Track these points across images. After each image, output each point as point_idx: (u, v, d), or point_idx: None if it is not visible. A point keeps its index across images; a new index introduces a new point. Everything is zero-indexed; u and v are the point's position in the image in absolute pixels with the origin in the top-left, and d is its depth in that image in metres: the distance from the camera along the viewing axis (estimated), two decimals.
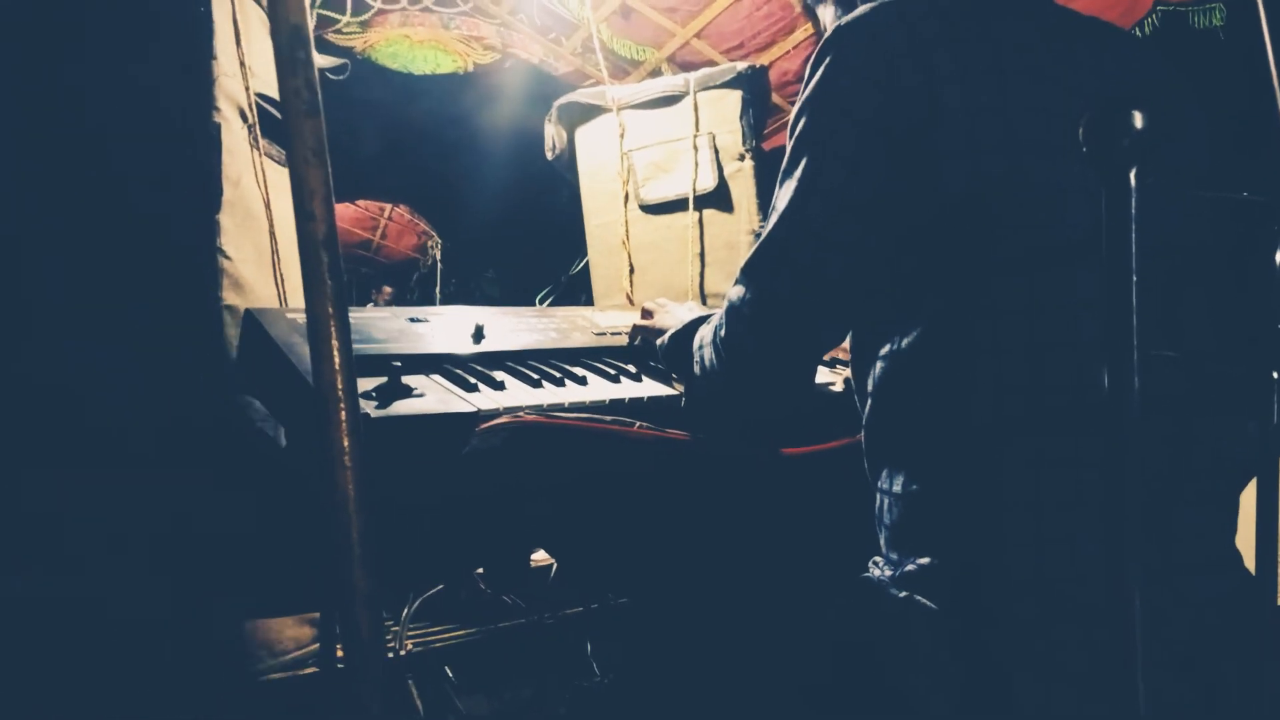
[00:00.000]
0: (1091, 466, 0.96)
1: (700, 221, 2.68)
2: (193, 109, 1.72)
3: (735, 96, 2.65)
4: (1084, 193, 1.00)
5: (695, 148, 2.67)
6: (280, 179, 1.97)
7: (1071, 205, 1.01)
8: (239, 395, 1.54)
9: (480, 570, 1.95)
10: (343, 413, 0.66)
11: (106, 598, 1.33)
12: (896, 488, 1.08)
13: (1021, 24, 1.08)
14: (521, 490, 1.21)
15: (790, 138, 1.12)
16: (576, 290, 3.29)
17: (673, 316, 1.56)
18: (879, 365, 1.10)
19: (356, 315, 1.52)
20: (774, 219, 1.13)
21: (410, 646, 1.77)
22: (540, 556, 2.12)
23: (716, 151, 2.65)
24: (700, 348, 1.28)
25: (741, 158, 2.65)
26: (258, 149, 1.87)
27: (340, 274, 0.69)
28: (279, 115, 1.97)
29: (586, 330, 1.68)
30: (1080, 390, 0.97)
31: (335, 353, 0.67)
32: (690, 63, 3.47)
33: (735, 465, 1.37)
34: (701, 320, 1.38)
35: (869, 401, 1.13)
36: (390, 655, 1.76)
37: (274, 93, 1.97)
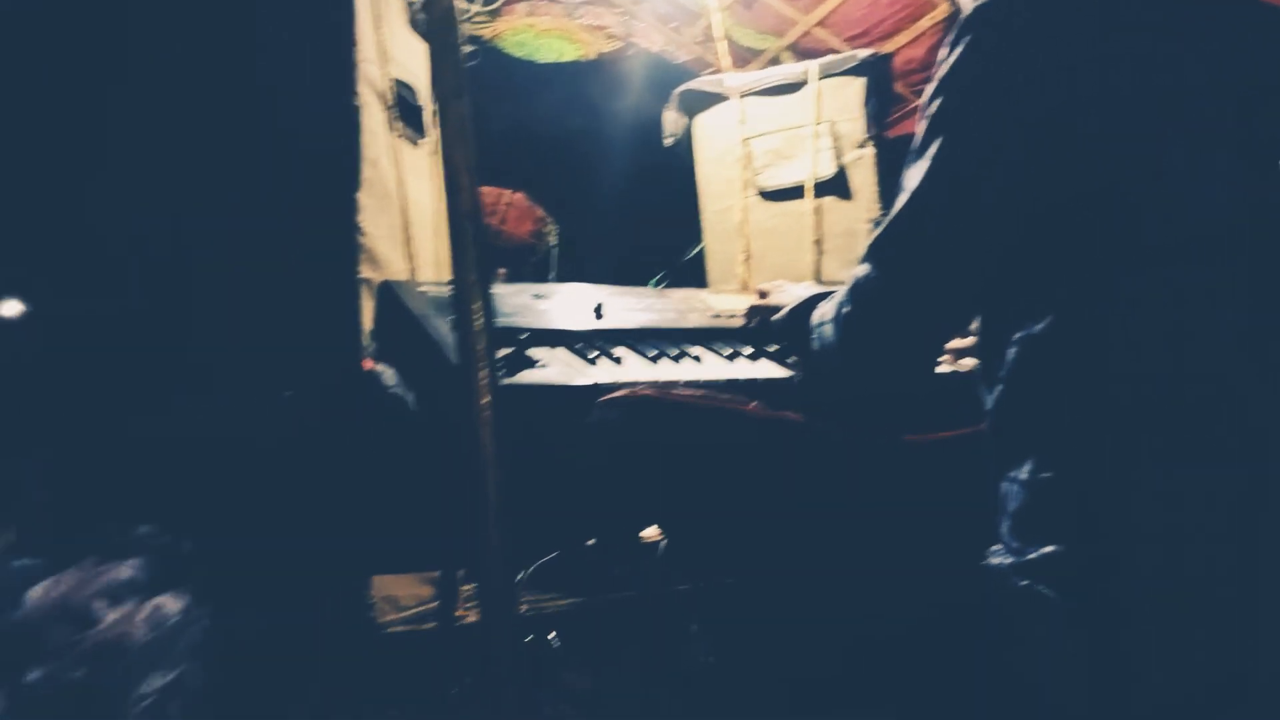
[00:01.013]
0: (1230, 461, 0.93)
1: (819, 209, 2.66)
2: (337, 93, 1.82)
3: (858, 84, 2.62)
4: (1226, 180, 0.96)
5: (816, 135, 2.65)
6: (412, 160, 2.06)
7: (1213, 193, 0.97)
8: (373, 363, 1.63)
9: (592, 542, 1.99)
10: (484, 374, 0.70)
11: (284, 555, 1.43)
12: (1024, 474, 1.06)
13: (1161, 4, 1.04)
14: (637, 463, 1.24)
15: (922, 118, 1.12)
16: (688, 278, 3.31)
17: (789, 295, 1.57)
18: (1012, 351, 1.08)
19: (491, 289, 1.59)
20: (902, 199, 1.13)
21: (524, 609, 1.83)
22: (650, 532, 2.15)
23: (837, 139, 2.63)
24: (820, 324, 1.28)
25: (863, 145, 2.62)
26: (393, 131, 1.97)
27: (485, 243, 0.73)
28: (412, 99, 2.07)
29: (702, 311, 1.70)
30: (1220, 383, 0.94)
31: (478, 317, 0.71)
32: (811, 50, 3.43)
33: (849, 450, 1.37)
34: (821, 297, 1.38)
35: (999, 388, 1.11)
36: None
37: (408, 78, 2.06)
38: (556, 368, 1.31)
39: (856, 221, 2.60)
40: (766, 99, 2.75)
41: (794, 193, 2.69)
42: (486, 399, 0.68)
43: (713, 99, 2.83)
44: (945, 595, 1.24)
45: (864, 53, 2.60)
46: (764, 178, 2.74)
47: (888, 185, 2.61)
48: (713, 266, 2.87)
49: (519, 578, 1.93)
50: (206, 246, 1.79)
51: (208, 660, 1.00)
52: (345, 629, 1.61)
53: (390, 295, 1.46)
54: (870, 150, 2.59)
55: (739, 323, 1.67)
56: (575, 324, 1.50)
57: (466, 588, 2.11)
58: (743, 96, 2.79)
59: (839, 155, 2.60)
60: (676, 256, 3.32)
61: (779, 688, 1.41)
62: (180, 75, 1.81)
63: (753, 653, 1.54)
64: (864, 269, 1.16)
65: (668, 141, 2.93)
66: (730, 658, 1.94)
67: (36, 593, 0.97)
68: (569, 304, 1.58)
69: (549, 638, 1.91)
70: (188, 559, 1.13)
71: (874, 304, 1.14)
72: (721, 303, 1.80)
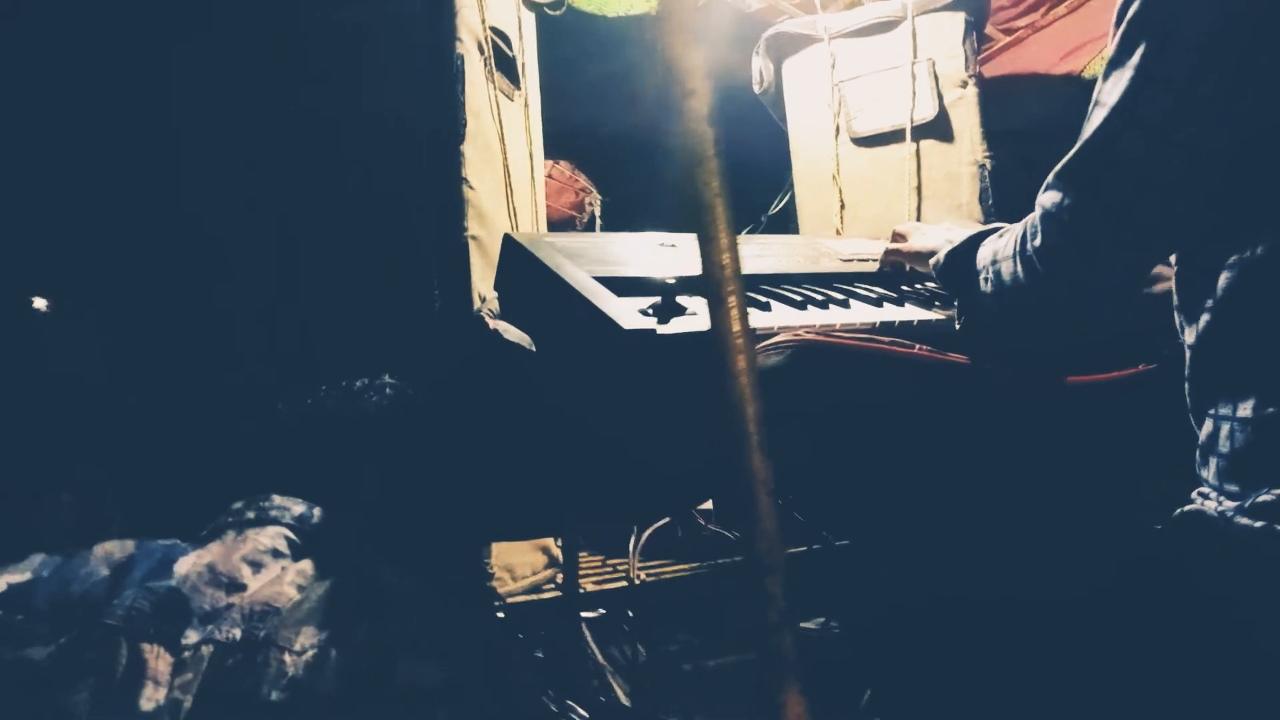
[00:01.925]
0: None
1: (918, 153, 2.54)
2: (439, 41, 1.74)
3: (957, 19, 2.48)
4: None
5: (913, 76, 2.53)
6: (509, 113, 1.99)
7: None
8: (491, 320, 1.57)
9: (704, 506, 1.94)
10: (733, 299, 0.63)
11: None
12: (1243, 411, 0.97)
13: None
14: (802, 411, 1.17)
15: (1120, 25, 1.02)
16: (776, 231, 3.22)
17: (933, 237, 1.49)
18: (1224, 277, 0.99)
19: (608, 238, 1.52)
20: (1100, 114, 1.03)
21: (644, 576, 1.78)
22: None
23: (936, 79, 2.50)
24: (994, 263, 1.20)
25: (964, 85, 2.49)
26: (492, 82, 1.89)
27: (721, 152, 0.66)
28: (507, 49, 1.99)
29: (831, 256, 1.62)
30: None
31: (723, 235, 0.64)
32: None
33: (1016, 393, 1.29)
34: (984, 235, 1.30)
35: (1205, 317, 1.02)
36: (625, 584, 1.78)
37: (503, 26, 1.99)
38: (705, 315, 1.24)
39: (959, 165, 2.48)
40: (859, 40, 2.63)
41: (890, 138, 2.57)
42: (738, 326, 0.61)
43: (802, 42, 2.72)
44: (1132, 547, 1.16)
45: None
46: (857, 123, 2.63)
47: (990, 125, 2.49)
48: (805, 218, 2.77)
49: (634, 545, 1.88)
50: (311, 209, 1.75)
51: (357, 617, 0.98)
52: (469, 597, 1.57)
53: (516, 248, 1.39)
54: (973, 90, 2.46)
55: (871, 267, 1.59)
56: None
57: (585, 554, 2.07)
58: (832, 39, 2.67)
59: (939, 96, 2.48)
60: (760, 210, 3.22)
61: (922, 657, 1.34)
62: (272, 22, 1.75)
63: (893, 618, 1.47)
64: (1053, 196, 1.08)
65: (757, 89, 2.82)
66: (857, 622, 1.87)
67: (184, 564, 0.98)
68: (696, 252, 1.50)
69: (668, 601, 1.86)
70: (321, 528, 1.12)
71: (1070, 235, 1.06)
72: (848, 246, 1.71)
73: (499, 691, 1.00)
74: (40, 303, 1.60)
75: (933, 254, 1.43)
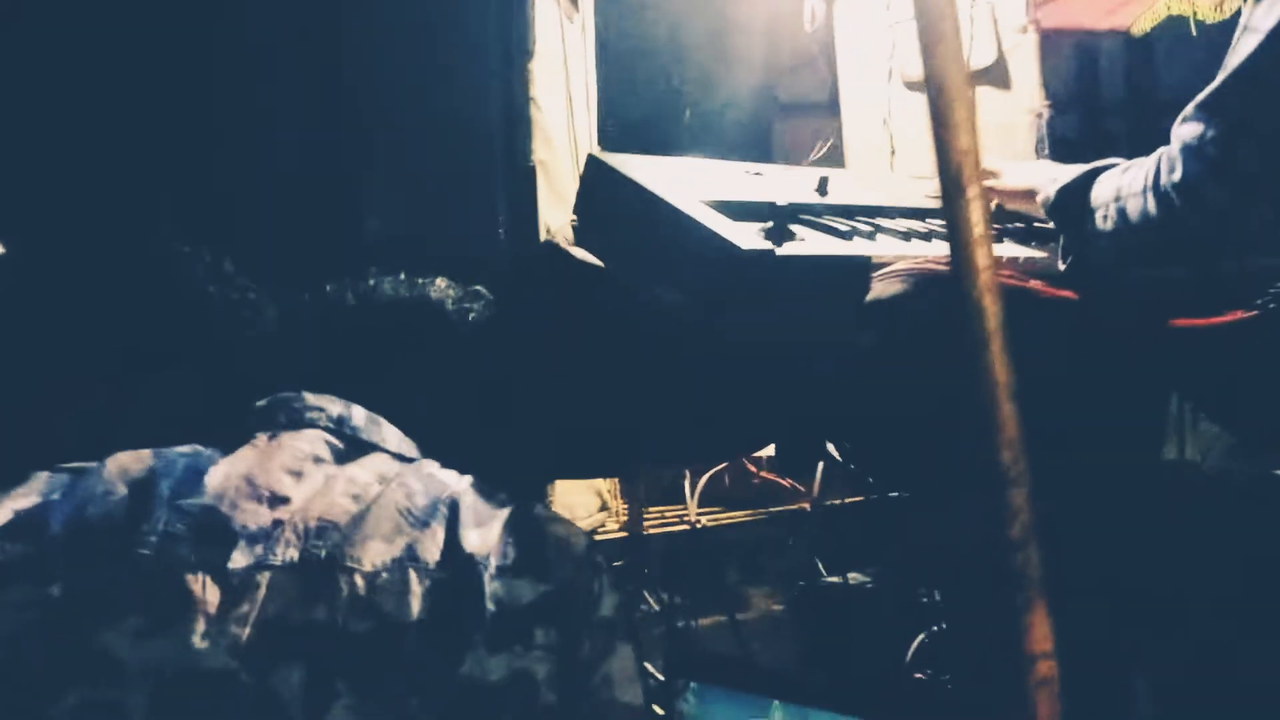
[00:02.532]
0: None
1: (973, 99, 2.47)
2: None
3: None
4: None
5: (971, 19, 2.45)
6: (570, 35, 1.90)
7: None
8: (569, 247, 1.51)
9: (766, 451, 1.90)
10: (973, 191, 0.58)
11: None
12: None
13: None
14: (920, 340, 1.12)
15: None
16: None
17: (1030, 174, 1.45)
18: None
19: (692, 163, 1.46)
20: (1253, 40, 0.99)
21: (705, 522, 1.75)
22: None
23: (995, 22, 2.43)
24: (1117, 200, 1.16)
25: (1024, 31, 2.43)
26: (558, 1, 1.81)
27: (958, 31, 0.60)
28: None
29: (917, 191, 1.57)
30: None
31: (962, 117, 0.59)
32: None
33: (1125, 332, 1.26)
34: (1098, 171, 1.25)
35: None
36: (688, 528, 1.75)
37: None
38: (814, 241, 1.19)
39: (1016, 113, 2.42)
40: None
41: None
42: (982, 241, 0.56)
43: None
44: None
45: None
46: (911, 67, 2.55)
47: (1050, 74, 2.43)
48: (851, 162, 2.70)
49: (694, 491, 1.84)
50: (373, 132, 1.67)
51: (428, 529, 0.84)
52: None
53: (607, 171, 1.33)
54: (1033, 36, 2.39)
55: None
56: (804, 199, 1.36)
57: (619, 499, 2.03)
58: None
59: (998, 40, 2.41)
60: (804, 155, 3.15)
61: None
62: None
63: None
64: (1194, 128, 1.04)
65: (808, 27, 2.74)
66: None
67: (215, 477, 0.85)
68: (785, 181, 1.45)
69: (728, 547, 1.84)
70: (366, 430, 0.94)
71: (1215, 169, 1.02)
72: (930, 185, 1.66)
73: (591, 610, 0.85)
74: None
75: (1032, 191, 1.38)
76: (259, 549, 0.79)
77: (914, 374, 1.16)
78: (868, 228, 1.28)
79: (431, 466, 0.92)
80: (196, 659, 0.74)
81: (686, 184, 1.29)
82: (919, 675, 1.76)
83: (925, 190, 1.65)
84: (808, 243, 1.17)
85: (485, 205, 1.67)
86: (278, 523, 0.81)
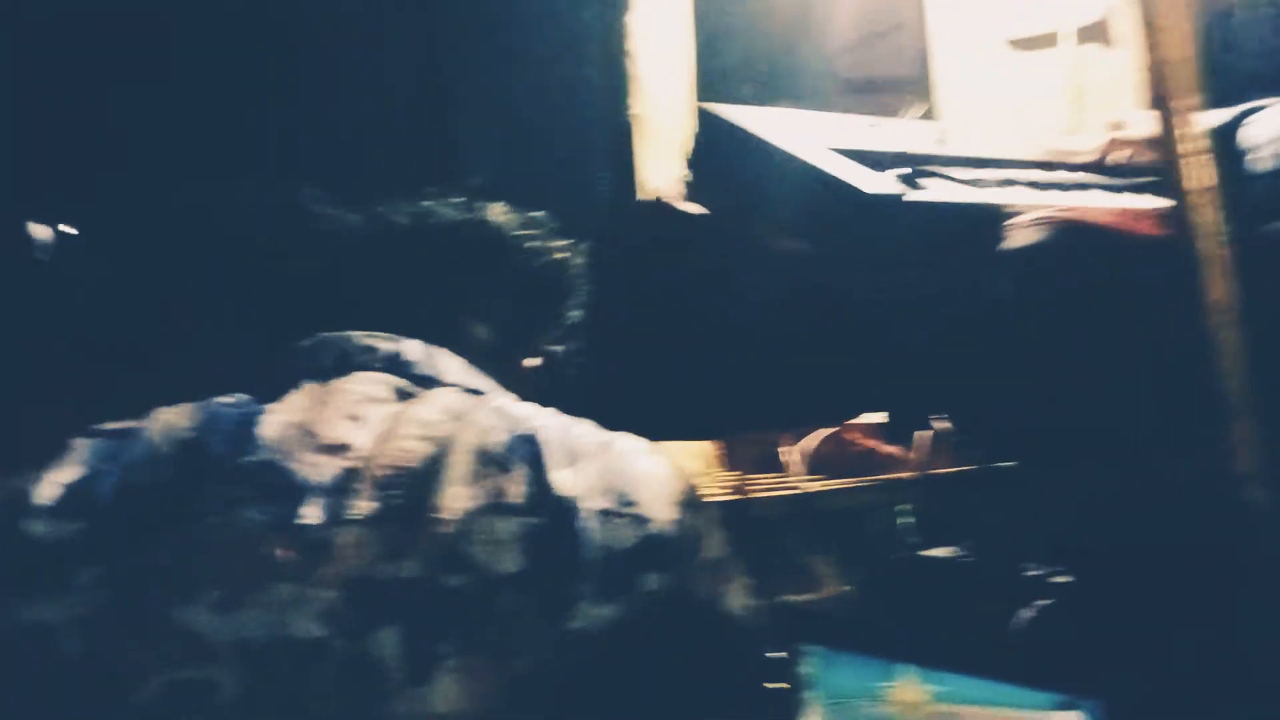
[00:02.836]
0: None
1: (1077, 58, 2.37)
2: None
3: None
4: None
5: None
6: None
7: None
8: (678, 203, 1.47)
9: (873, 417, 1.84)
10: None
11: None
12: None
13: None
14: (1059, 290, 1.07)
15: None
16: None
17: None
18: None
19: (806, 114, 1.41)
20: None
21: (808, 488, 1.71)
22: None
23: None
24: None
25: None
26: None
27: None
28: None
29: (1041, 146, 1.51)
30: None
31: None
32: None
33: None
34: (1245, 114, 1.18)
35: None
36: (790, 493, 1.71)
37: None
38: (941, 189, 1.14)
39: (1121, 71, 2.31)
40: None
41: (1044, 41, 2.40)
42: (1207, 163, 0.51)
43: None
44: None
45: None
46: (1010, 25, 2.46)
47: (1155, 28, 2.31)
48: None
49: (802, 458, 1.80)
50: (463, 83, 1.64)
51: (513, 472, 0.75)
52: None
53: (721, 122, 1.29)
54: None
55: (1090, 157, 1.48)
56: (931, 150, 1.31)
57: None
58: None
59: None
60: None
61: None
62: None
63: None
64: None
65: None
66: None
67: (268, 429, 0.77)
68: (905, 133, 1.40)
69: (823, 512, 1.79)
70: (424, 366, 0.85)
71: None
72: (1055, 140, 1.60)
73: (698, 551, 0.78)
74: None
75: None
76: (332, 503, 0.73)
77: (1049, 328, 1.11)
78: (997, 178, 1.23)
79: (504, 399, 0.85)
80: (284, 628, 0.69)
81: (804, 133, 1.25)
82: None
83: (1055, 145, 1.58)
84: (936, 190, 1.12)
85: (581, 158, 1.63)
86: (347, 472, 0.74)
